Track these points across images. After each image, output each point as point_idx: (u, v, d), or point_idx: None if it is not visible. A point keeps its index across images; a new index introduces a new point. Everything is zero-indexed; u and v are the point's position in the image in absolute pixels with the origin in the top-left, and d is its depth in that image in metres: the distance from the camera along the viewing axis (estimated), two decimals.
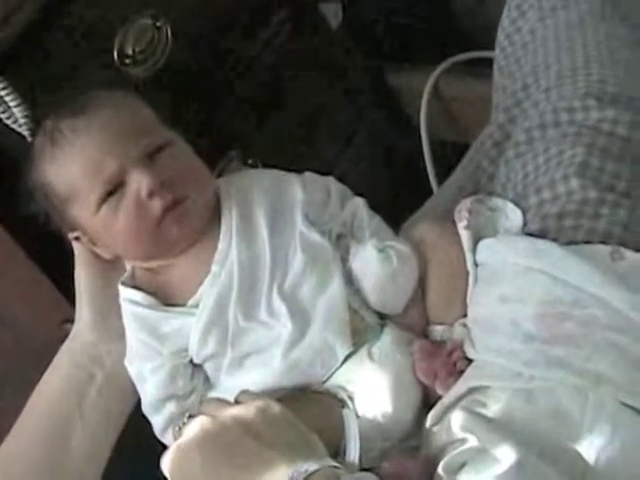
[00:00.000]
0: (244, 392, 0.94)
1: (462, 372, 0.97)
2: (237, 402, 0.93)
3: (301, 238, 1.02)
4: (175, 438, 0.93)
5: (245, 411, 0.89)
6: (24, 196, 1.04)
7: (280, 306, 0.98)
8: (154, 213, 0.98)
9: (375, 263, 1.01)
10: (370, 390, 0.97)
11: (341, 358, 0.98)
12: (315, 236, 1.02)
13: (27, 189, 1.04)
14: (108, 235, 1.01)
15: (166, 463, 0.90)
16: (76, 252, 1.09)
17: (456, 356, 0.98)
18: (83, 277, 1.09)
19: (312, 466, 0.81)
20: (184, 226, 1.00)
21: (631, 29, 1.20)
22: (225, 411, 0.90)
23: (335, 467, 0.83)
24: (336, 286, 1.00)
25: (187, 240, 1.01)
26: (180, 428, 0.92)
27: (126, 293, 1.04)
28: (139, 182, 0.97)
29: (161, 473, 0.90)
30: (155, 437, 1.04)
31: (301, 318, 0.98)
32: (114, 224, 0.99)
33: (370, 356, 0.98)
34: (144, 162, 0.98)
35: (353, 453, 0.92)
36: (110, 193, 0.98)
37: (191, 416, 0.92)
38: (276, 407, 0.90)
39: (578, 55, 1.16)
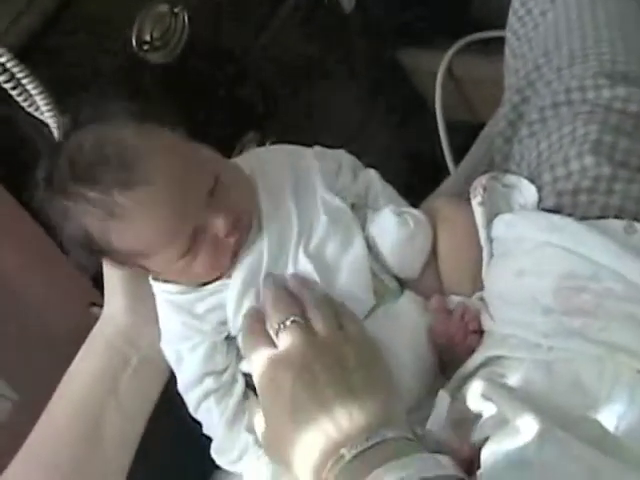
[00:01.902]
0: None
1: (476, 332, 0.98)
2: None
3: (323, 202, 1.03)
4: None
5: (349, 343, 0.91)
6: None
7: (306, 264, 1.00)
8: (231, 247, 1.00)
9: (393, 226, 1.02)
10: (385, 348, 0.97)
11: (366, 308, 1.00)
12: (336, 200, 1.04)
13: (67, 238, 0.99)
14: (182, 274, 1.02)
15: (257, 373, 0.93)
16: None
17: (469, 317, 0.99)
18: None
19: (389, 433, 0.83)
20: (243, 236, 1.01)
21: None
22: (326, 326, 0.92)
23: (409, 439, 0.84)
24: (358, 247, 1.01)
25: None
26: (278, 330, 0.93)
27: (159, 287, 1.05)
28: (215, 228, 0.97)
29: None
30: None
31: (326, 276, 1.00)
32: (193, 266, 0.99)
33: (388, 314, 1.00)
34: (209, 206, 0.97)
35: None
36: (189, 248, 0.98)
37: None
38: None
39: (589, 34, 1.17)
